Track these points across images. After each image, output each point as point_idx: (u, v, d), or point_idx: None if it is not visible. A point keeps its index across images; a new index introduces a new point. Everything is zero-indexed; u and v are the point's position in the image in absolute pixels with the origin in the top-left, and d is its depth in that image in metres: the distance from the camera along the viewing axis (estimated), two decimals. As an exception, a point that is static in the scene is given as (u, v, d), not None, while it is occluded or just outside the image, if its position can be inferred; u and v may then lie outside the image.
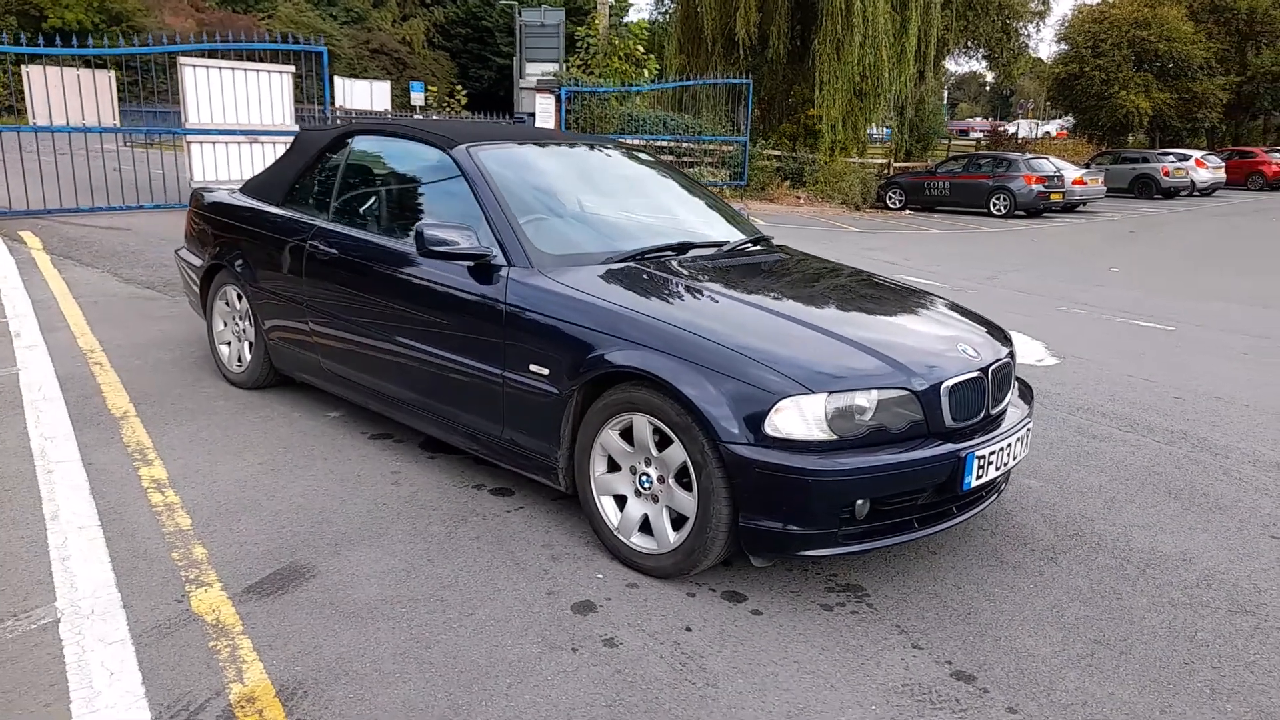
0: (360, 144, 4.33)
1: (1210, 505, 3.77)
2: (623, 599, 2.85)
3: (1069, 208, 21.04)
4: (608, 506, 3.09)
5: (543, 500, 3.56)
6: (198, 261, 4.99)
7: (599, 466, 3.09)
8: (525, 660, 2.50)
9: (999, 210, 20.07)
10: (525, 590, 2.88)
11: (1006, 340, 3.39)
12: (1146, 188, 26.47)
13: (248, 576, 2.90)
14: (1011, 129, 47.69)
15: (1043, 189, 19.79)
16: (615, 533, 3.06)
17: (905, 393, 2.76)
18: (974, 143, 43.91)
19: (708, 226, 4.13)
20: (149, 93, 21.08)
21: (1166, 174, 26.39)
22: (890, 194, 22.01)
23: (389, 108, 38.44)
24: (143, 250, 9.10)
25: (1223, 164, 28.49)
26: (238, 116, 12.09)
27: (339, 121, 20.80)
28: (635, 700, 2.34)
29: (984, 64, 36.90)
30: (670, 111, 20.80)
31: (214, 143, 11.92)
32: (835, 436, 2.65)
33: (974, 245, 14.66)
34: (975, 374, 2.95)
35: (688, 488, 2.84)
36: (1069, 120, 46.45)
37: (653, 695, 2.36)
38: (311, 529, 3.26)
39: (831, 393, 2.66)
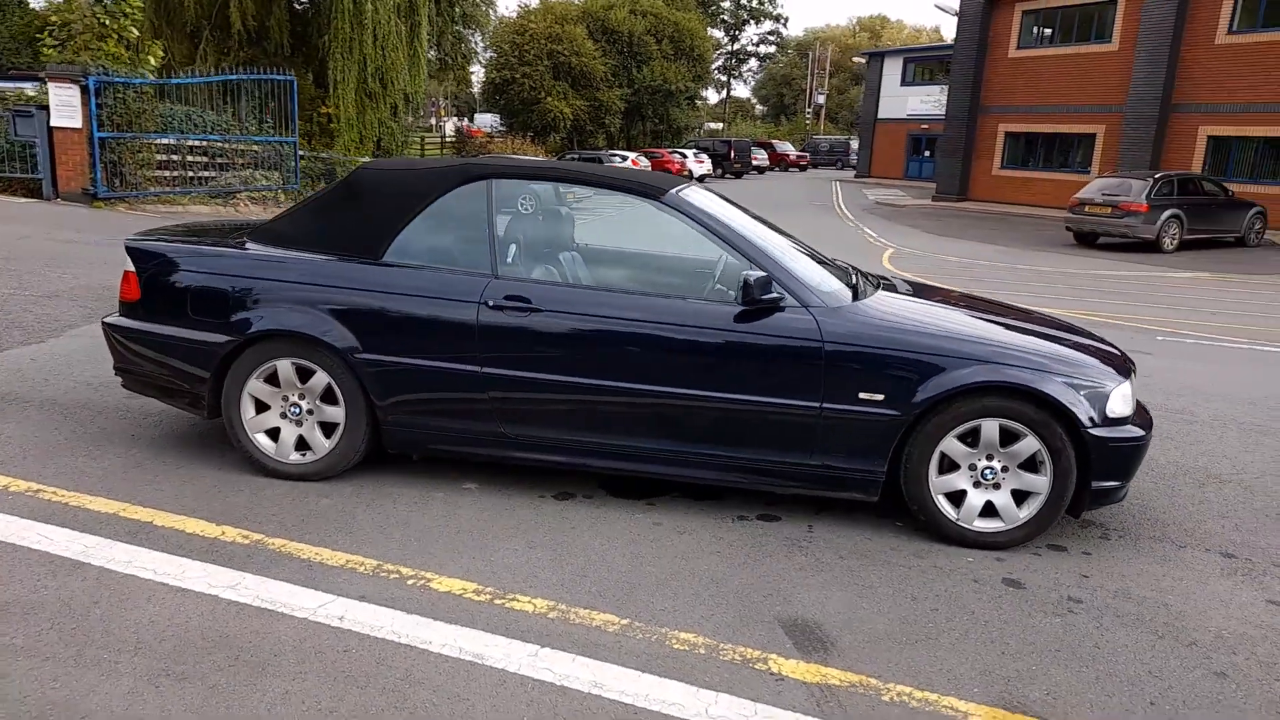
0: (509, 190, 3.96)
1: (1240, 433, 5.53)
2: (1016, 569, 3.55)
3: (572, 204, 23.78)
4: (944, 503, 3.71)
5: (809, 514, 3.94)
6: (206, 336, 3.90)
7: (934, 471, 3.68)
8: (1066, 631, 3.12)
9: (525, 208, 21.87)
10: (958, 586, 3.40)
11: None
12: (605, 184, 30.86)
13: (769, 643, 2.92)
14: (450, 128, 50.49)
15: (560, 188, 22.11)
16: (957, 523, 3.70)
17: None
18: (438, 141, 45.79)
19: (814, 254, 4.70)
20: None
21: (618, 172, 31.11)
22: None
23: None
24: None
25: (649, 164, 34.44)
26: None
27: None
28: (1161, 629, 3.16)
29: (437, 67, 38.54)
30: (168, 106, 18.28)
31: None
32: (1132, 412, 3.72)
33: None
34: None
35: (1033, 471, 3.64)
36: (497, 120, 50.65)
37: (1160, 623, 3.21)
38: (708, 588, 3.26)
39: (1130, 379, 3.72)
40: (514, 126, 45.20)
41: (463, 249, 3.97)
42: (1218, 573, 3.62)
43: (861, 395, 3.61)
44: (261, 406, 3.99)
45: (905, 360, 3.60)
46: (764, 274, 3.62)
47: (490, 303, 3.75)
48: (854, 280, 4.11)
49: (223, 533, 3.46)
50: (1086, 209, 18.20)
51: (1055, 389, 3.53)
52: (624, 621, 3.00)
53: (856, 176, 42.28)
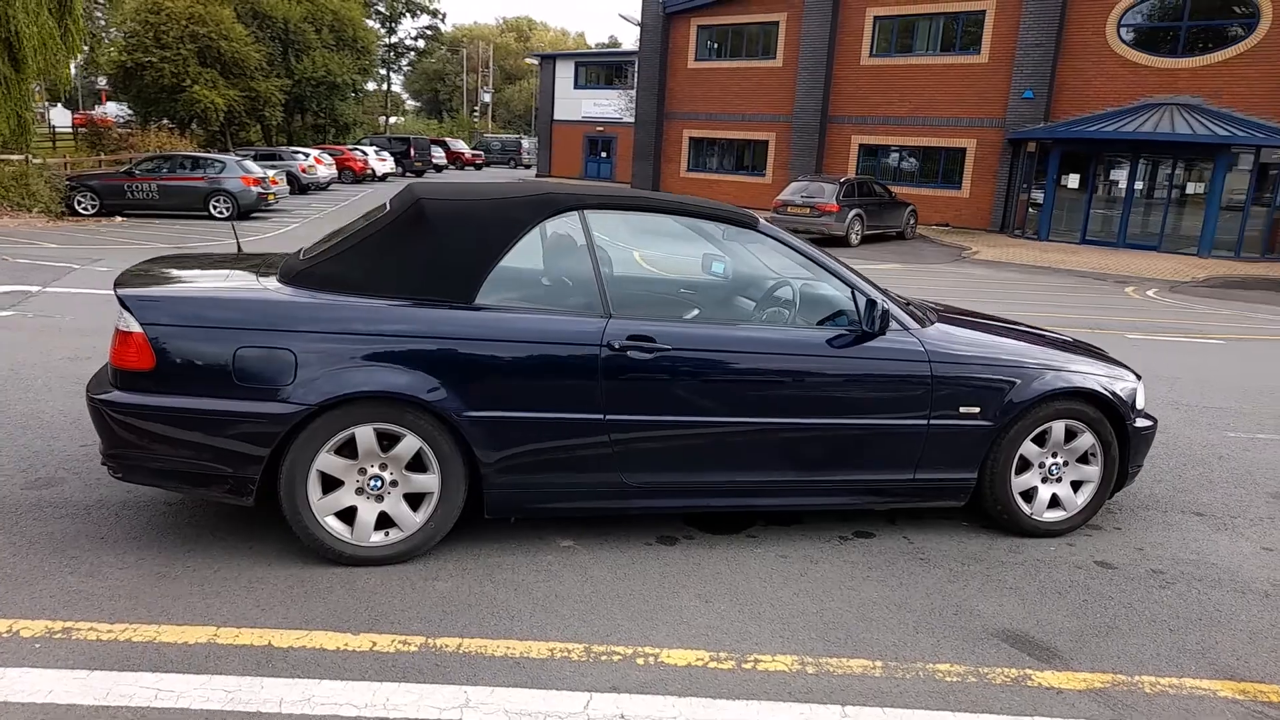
0: (605, 222, 3.62)
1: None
2: (1093, 551, 4.00)
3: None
4: (1020, 501, 4.07)
5: (888, 526, 4.12)
6: (263, 408, 3.14)
7: (1013, 472, 4.03)
8: (1183, 600, 3.60)
9: (221, 213, 19.57)
10: (1073, 574, 3.76)
11: None
12: (292, 184, 28.47)
13: (1012, 659, 3.07)
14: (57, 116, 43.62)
15: (261, 189, 20.11)
16: (1031, 516, 4.08)
17: (1121, 372, 4.59)
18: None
19: None
20: None
21: (304, 171, 28.94)
22: (80, 198, 19.16)
23: None
24: None
25: (334, 161, 32.38)
26: None
27: None
28: (1233, 585, 3.76)
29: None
30: None
31: None
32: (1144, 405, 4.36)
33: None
34: None
35: (1085, 463, 4.12)
36: (123, 109, 44.64)
37: (1227, 580, 3.81)
38: (902, 615, 3.32)
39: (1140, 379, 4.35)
40: (152, 115, 40.07)
41: (564, 287, 3.61)
42: (1209, 530, 4.36)
43: (962, 409, 3.86)
44: (331, 484, 3.33)
45: (996, 375, 3.89)
46: (878, 300, 3.73)
47: (616, 344, 3.45)
48: (909, 304, 4.35)
49: (373, 644, 2.86)
50: (789, 209, 20.23)
51: (1113, 390, 4.04)
52: (878, 664, 2.96)
53: (537, 175, 42.98)
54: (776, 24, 27.97)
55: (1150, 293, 15.25)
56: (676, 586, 3.41)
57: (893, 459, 3.84)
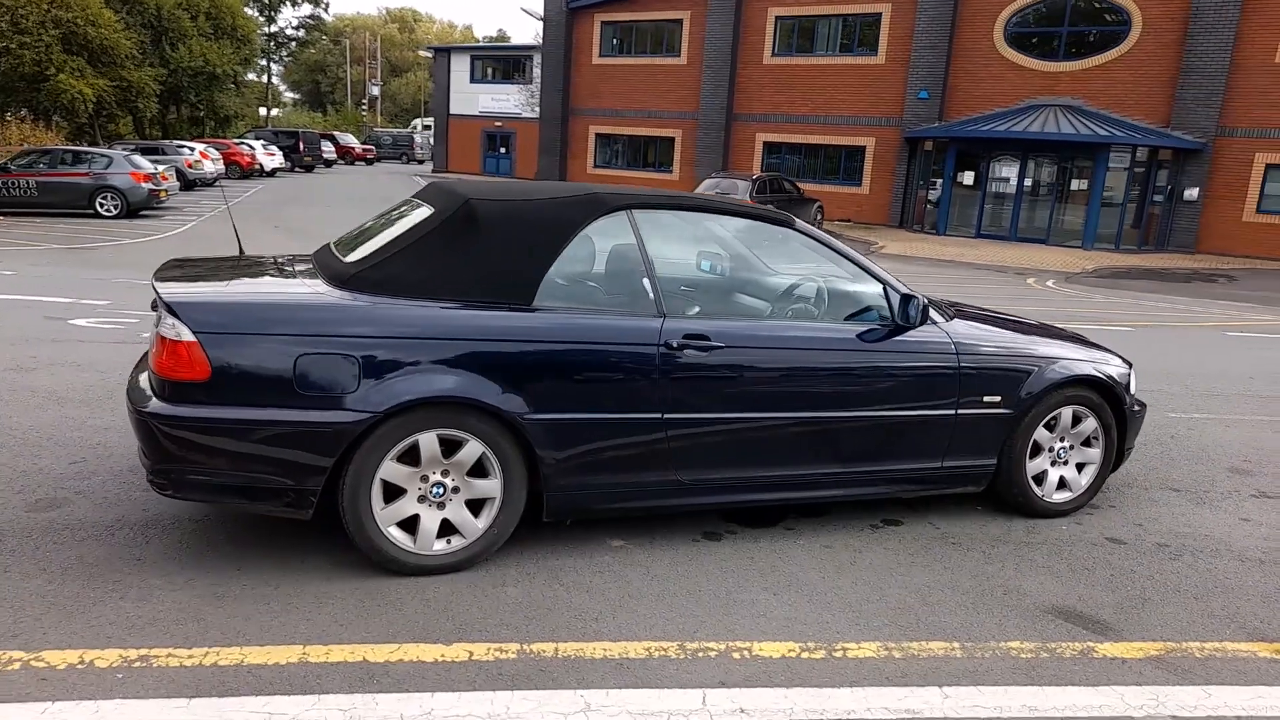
0: (655, 221, 3.61)
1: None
2: (1101, 528, 4.24)
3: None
4: (1033, 484, 4.28)
5: (910, 512, 4.27)
6: (327, 416, 3.01)
7: (1027, 456, 4.24)
8: (1195, 571, 3.86)
9: (109, 211, 18.41)
10: (1091, 551, 3.98)
11: None
12: (178, 180, 27.05)
13: (1071, 634, 3.24)
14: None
15: (152, 186, 19.04)
16: (1043, 498, 4.29)
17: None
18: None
19: None
20: None
21: (190, 166, 27.55)
22: (-49, 194, 17.72)
23: None
24: None
25: (221, 156, 30.93)
26: None
27: None
28: (1231, 555, 4.06)
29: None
30: None
31: None
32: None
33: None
34: None
35: (1089, 446, 4.37)
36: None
37: (1225, 550, 4.11)
38: (956, 596, 3.46)
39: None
40: (10, 106, 37.31)
41: (617, 288, 3.60)
42: (1190, 504, 4.68)
43: (985, 399, 4.04)
44: (393, 492, 3.22)
45: (1015, 365, 4.09)
46: (916, 295, 3.86)
47: (674, 343, 3.46)
48: (930, 300, 4.51)
49: (469, 653, 2.80)
50: (703, 205, 20.48)
51: (1112, 376, 4.31)
52: (955, 645, 3.08)
53: (435, 171, 42.11)
54: (680, 21, 28.26)
55: (1050, 283, 16.17)
56: (740, 580, 3.45)
57: (925, 448, 3.98)
